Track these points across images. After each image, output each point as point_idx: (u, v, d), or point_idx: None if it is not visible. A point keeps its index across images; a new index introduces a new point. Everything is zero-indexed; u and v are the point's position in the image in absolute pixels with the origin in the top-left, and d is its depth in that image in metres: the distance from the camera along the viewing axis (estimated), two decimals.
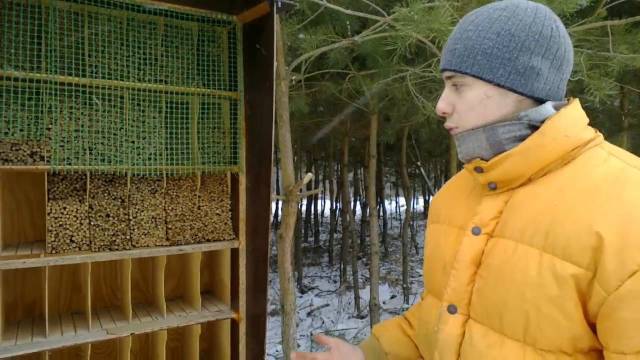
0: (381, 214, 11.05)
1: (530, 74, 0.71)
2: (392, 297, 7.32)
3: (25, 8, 1.61)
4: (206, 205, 1.99)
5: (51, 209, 1.69)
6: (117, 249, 1.77)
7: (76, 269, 1.98)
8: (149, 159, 1.84)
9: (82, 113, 1.73)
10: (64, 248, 1.70)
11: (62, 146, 1.68)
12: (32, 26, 1.61)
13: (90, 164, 1.72)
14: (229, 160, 2.02)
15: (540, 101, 0.74)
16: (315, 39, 2.62)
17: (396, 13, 2.18)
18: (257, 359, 1.98)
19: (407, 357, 0.99)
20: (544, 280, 0.65)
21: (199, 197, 1.99)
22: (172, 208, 1.92)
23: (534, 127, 0.73)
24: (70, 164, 1.68)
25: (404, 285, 6.98)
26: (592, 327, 0.65)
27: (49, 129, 1.67)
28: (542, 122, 0.72)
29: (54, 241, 1.69)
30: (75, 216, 1.73)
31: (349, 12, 2.41)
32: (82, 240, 1.73)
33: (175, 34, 1.89)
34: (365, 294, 6.76)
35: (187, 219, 1.94)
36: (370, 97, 4.23)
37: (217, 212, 2.02)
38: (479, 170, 0.76)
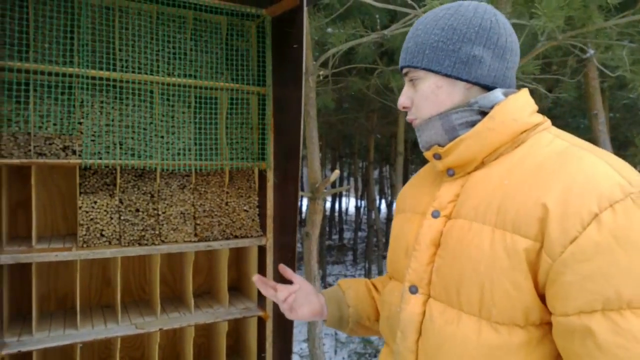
0: None
1: (473, 62, 0.78)
2: None
3: (59, 3, 1.62)
4: (234, 202, 1.98)
5: (82, 203, 1.71)
6: (146, 244, 1.77)
7: (106, 262, 2.00)
8: (178, 154, 1.83)
9: (112, 107, 1.73)
10: (95, 242, 1.71)
11: (94, 140, 1.69)
12: (65, 21, 1.62)
13: (120, 159, 1.72)
14: (257, 157, 2.00)
15: (488, 88, 0.80)
16: (343, 33, 2.57)
17: (427, 5, 2.12)
18: (284, 357, 1.96)
19: (367, 315, 1.04)
20: (496, 254, 0.69)
21: (227, 193, 1.98)
22: (201, 204, 1.91)
23: (484, 113, 0.79)
24: (101, 158, 1.69)
25: None
26: (542, 299, 0.68)
27: (80, 124, 1.68)
28: (492, 107, 0.78)
29: (85, 235, 1.70)
30: (105, 210, 1.74)
31: (379, 4, 2.35)
32: (112, 235, 1.74)
33: (205, 28, 1.88)
34: None
35: (215, 215, 1.93)
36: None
37: (244, 208, 2.00)
38: (437, 157, 0.82)
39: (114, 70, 1.71)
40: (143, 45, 1.76)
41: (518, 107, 0.78)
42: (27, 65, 1.55)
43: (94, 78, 1.68)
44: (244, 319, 2.04)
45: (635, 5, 2.64)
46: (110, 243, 1.73)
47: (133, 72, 1.74)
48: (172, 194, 1.86)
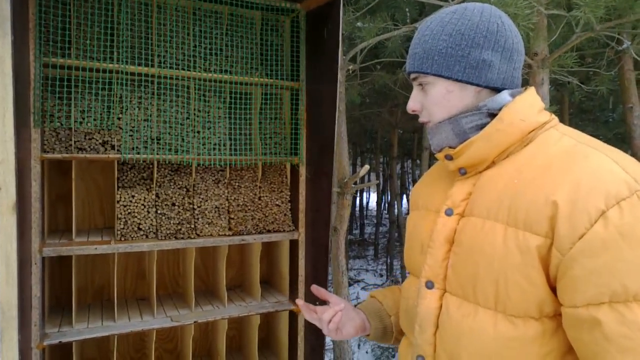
0: None
1: (483, 66, 0.80)
2: None
3: (100, 0, 1.64)
4: (266, 196, 1.99)
5: (120, 197, 1.74)
6: (182, 238, 1.79)
7: (141, 255, 2.04)
8: (213, 149, 1.85)
9: (150, 103, 1.75)
10: (132, 235, 1.74)
11: (132, 135, 1.71)
12: (105, 17, 1.64)
13: (157, 154, 1.74)
14: (289, 151, 2.00)
15: (497, 90, 0.82)
16: (374, 26, 2.54)
17: None
18: (316, 352, 1.97)
19: None
20: (509, 251, 0.72)
21: (260, 187, 1.98)
22: (235, 198, 1.92)
23: (493, 115, 0.81)
24: (139, 153, 1.71)
25: None
26: (555, 291, 0.71)
27: (119, 119, 1.70)
28: (500, 109, 0.80)
29: (123, 228, 1.73)
30: (142, 204, 1.76)
31: None
32: (149, 229, 1.76)
33: (239, 23, 1.88)
34: None
35: (249, 209, 1.94)
36: None
37: (277, 202, 2.00)
38: (449, 157, 0.85)
39: (152, 66, 1.72)
40: (180, 41, 1.77)
41: (525, 107, 0.80)
42: (69, 61, 1.57)
43: (132, 74, 1.70)
44: (275, 313, 2.05)
45: None
46: (147, 236, 1.76)
47: (170, 67, 1.75)
48: (207, 189, 1.87)
